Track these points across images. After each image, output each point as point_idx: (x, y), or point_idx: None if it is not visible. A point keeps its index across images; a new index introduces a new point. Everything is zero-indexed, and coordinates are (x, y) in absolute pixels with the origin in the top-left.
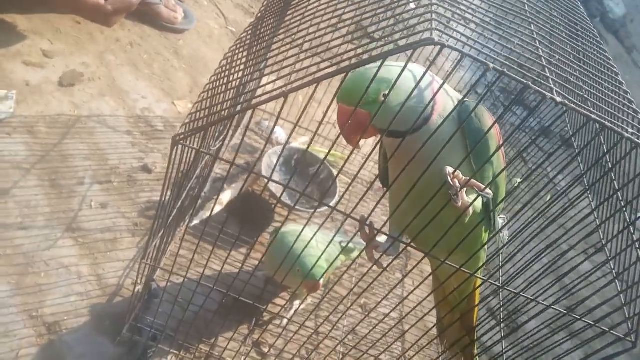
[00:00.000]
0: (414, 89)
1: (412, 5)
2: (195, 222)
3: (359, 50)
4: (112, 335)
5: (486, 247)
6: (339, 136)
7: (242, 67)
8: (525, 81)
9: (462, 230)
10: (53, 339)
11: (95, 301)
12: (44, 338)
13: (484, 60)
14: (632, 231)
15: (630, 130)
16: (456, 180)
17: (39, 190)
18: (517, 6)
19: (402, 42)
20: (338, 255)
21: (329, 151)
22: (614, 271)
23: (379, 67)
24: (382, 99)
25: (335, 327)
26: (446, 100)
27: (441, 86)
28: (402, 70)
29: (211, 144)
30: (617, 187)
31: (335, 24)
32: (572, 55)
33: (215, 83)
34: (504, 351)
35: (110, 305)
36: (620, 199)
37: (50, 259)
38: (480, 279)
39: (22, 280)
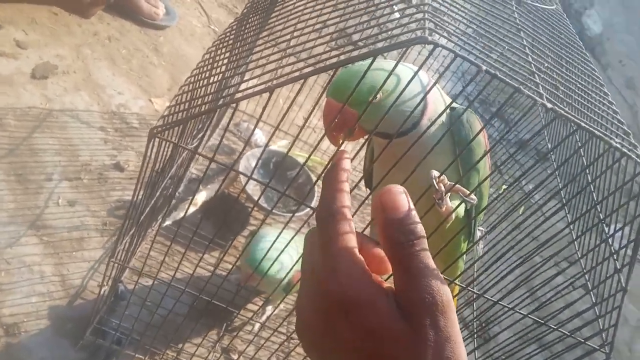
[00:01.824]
0: (401, 92)
1: (397, 15)
2: (168, 222)
3: (343, 57)
4: (73, 338)
5: (464, 256)
6: (320, 140)
7: (225, 61)
8: (516, 85)
9: (442, 236)
10: (11, 341)
11: (58, 302)
12: (1, 340)
13: (476, 62)
14: (611, 243)
15: (616, 139)
16: (441, 185)
17: (4, 185)
18: (507, 12)
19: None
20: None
21: (309, 156)
22: (588, 283)
23: (370, 64)
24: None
25: None
26: (438, 105)
27: (432, 86)
28: (390, 73)
29: (188, 141)
30: (595, 200)
31: (319, 29)
32: (557, 64)
33: (196, 77)
34: (476, 359)
35: (73, 307)
36: (599, 210)
37: (12, 257)
38: (460, 285)
39: None
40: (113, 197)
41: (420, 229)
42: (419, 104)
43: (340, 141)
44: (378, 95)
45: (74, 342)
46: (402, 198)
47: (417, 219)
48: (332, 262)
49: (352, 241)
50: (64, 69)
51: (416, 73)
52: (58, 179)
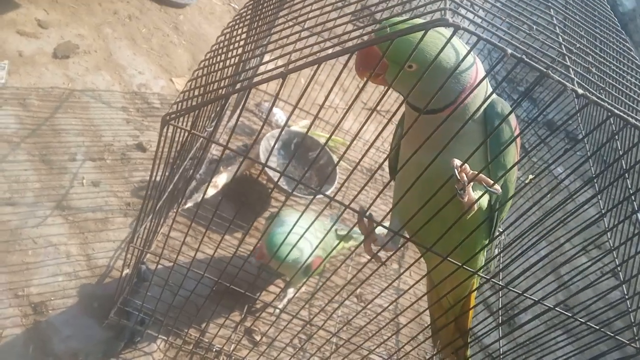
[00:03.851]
0: (428, 67)
1: None
2: (189, 204)
3: (365, 36)
4: (100, 317)
5: (485, 250)
6: (339, 122)
7: (241, 43)
8: (544, 69)
9: (463, 228)
10: (39, 319)
11: (84, 282)
12: (29, 318)
13: (501, 46)
14: None
15: None
16: (463, 174)
17: (29, 165)
18: None
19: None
20: (336, 246)
21: (330, 136)
22: (620, 274)
23: (422, 37)
24: (409, 69)
25: (330, 318)
26: (481, 92)
27: (483, 78)
28: (439, 53)
29: (206, 124)
30: (630, 190)
31: (340, 5)
32: (590, 43)
33: (211, 60)
34: (500, 347)
35: (99, 286)
36: (634, 200)
37: (38, 237)
38: (482, 276)
39: (8, 257)
40: (136, 178)
41: None
42: (471, 90)
43: (365, 78)
44: (414, 65)
45: (100, 321)
46: None
47: None
48: None
49: None
50: (85, 49)
51: (464, 58)
52: (82, 159)
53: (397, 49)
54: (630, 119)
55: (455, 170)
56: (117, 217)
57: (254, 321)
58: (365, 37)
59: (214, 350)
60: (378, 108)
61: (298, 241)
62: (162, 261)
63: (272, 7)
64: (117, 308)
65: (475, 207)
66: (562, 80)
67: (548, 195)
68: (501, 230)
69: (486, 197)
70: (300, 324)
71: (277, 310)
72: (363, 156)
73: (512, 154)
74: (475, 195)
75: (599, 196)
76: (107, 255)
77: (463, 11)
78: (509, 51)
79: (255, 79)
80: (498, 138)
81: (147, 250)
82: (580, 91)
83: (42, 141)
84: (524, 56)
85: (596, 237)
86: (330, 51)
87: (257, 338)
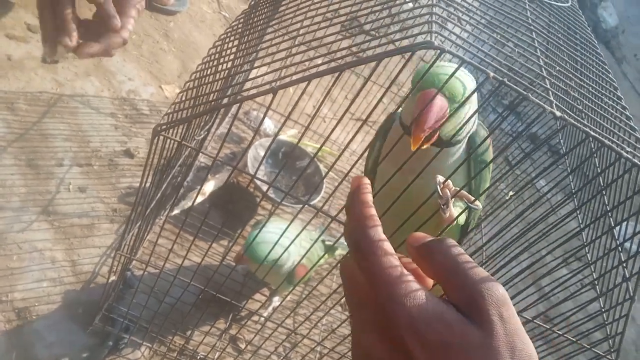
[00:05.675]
0: (464, 101)
1: (410, 5)
2: (176, 211)
3: (354, 49)
4: (84, 324)
5: None
6: (331, 133)
7: (232, 56)
8: (525, 92)
9: None
10: (22, 325)
11: (69, 288)
12: (12, 324)
13: (484, 69)
14: (620, 250)
15: (627, 148)
16: (446, 190)
17: (15, 169)
18: (517, 10)
19: (402, 42)
20: (323, 255)
21: (320, 147)
22: (597, 287)
23: (458, 67)
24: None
25: (315, 326)
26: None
27: (479, 107)
28: (476, 89)
29: (196, 133)
30: (607, 207)
31: (330, 18)
32: (570, 66)
33: (202, 72)
34: None
35: (84, 292)
36: (610, 216)
37: (23, 242)
38: None
39: None
40: (123, 184)
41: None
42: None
43: (420, 144)
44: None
45: (84, 327)
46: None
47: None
48: (386, 288)
49: (396, 260)
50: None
51: (474, 92)
52: (69, 164)
53: (454, 88)
54: (606, 140)
55: (438, 186)
56: (104, 223)
57: (239, 329)
58: (354, 49)
59: (199, 357)
60: (364, 118)
61: (282, 253)
62: (148, 268)
63: (263, 20)
64: (102, 314)
65: (454, 222)
66: (541, 103)
67: (530, 209)
68: (484, 242)
69: (464, 213)
70: (285, 333)
71: (262, 319)
72: (352, 168)
73: (487, 174)
74: (455, 211)
75: (578, 210)
76: (93, 262)
77: (447, 33)
78: (491, 74)
79: (246, 93)
80: (480, 160)
81: (133, 257)
82: (558, 113)
83: (29, 146)
84: (505, 79)
85: (575, 250)
86: (321, 68)
87: (242, 346)
